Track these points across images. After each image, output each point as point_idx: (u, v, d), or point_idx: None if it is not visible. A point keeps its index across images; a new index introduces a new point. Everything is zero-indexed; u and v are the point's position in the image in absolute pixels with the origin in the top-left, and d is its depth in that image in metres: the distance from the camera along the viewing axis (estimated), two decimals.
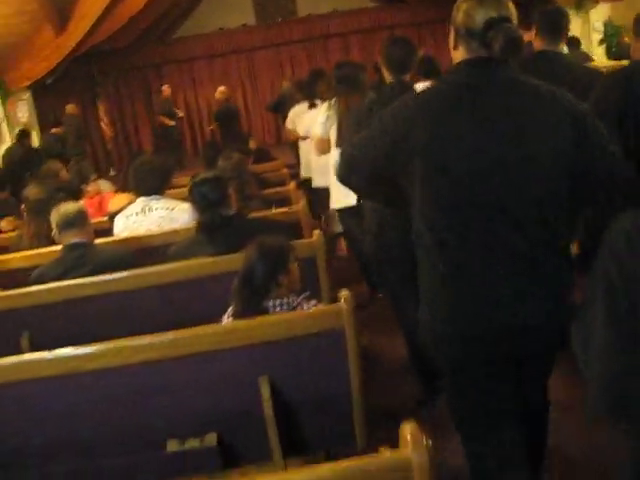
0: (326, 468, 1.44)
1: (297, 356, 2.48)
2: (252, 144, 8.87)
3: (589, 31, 13.14)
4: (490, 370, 2.26)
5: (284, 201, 5.03)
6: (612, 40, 12.87)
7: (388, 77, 3.60)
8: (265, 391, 2.46)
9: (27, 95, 12.47)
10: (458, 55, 2.25)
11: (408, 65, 3.56)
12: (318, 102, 6.33)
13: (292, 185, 5.26)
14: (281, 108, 9.84)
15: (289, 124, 7.76)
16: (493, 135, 2.09)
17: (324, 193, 5.37)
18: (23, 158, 9.28)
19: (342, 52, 13.85)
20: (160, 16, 14.34)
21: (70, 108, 12.40)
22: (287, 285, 2.68)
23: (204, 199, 3.38)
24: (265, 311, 2.62)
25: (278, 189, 5.33)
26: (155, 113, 13.59)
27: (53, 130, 11.47)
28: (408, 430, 1.43)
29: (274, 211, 4.45)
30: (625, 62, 8.00)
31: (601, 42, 13.00)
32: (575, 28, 13.01)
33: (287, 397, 2.51)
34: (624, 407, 1.69)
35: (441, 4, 14.48)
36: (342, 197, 4.61)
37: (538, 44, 3.72)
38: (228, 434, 2.55)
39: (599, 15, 13.19)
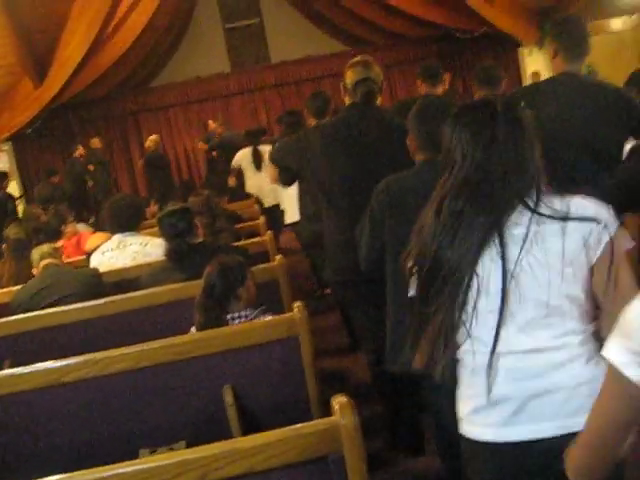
0: (269, 434, 1.66)
1: (257, 364, 2.70)
2: (231, 181, 9.19)
3: (551, 67, 13.62)
4: None
5: (254, 235, 5.29)
6: None
7: (312, 121, 4.75)
8: (229, 398, 2.66)
9: (7, 146, 12.73)
10: (347, 101, 3.63)
11: (325, 112, 4.67)
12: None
13: (261, 220, 5.52)
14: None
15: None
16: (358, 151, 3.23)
17: (277, 211, 6.99)
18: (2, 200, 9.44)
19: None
20: (136, 66, 14.71)
21: (95, 142, 12.78)
22: (245, 299, 2.92)
23: (172, 229, 3.63)
24: (225, 323, 2.85)
25: (249, 223, 5.59)
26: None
27: (52, 179, 11.57)
28: (338, 400, 1.66)
29: (243, 242, 4.70)
30: None
31: None
32: (538, 64, 13.56)
33: (250, 403, 2.72)
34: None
35: (409, 47, 15.02)
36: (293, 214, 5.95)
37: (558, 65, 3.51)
38: (196, 441, 2.74)
39: None
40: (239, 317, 2.87)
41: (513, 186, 1.73)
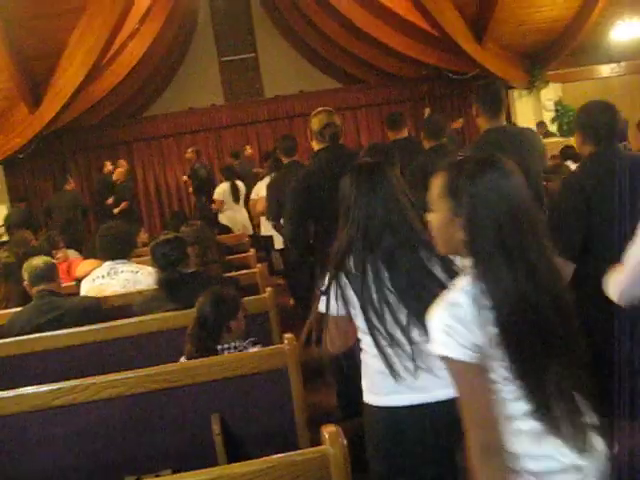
0: (259, 461, 1.70)
1: (246, 394, 2.73)
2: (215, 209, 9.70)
3: (541, 110, 13.87)
4: None
5: (245, 267, 5.33)
6: (563, 119, 13.60)
7: (285, 159, 5.84)
8: (216, 427, 2.69)
9: None
10: (314, 145, 4.34)
11: (294, 151, 5.77)
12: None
13: (252, 252, 5.57)
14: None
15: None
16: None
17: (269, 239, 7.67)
18: None
19: (307, 131, 14.33)
20: (131, 95, 14.85)
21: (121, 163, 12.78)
22: (236, 331, 2.96)
23: (164, 258, 3.67)
24: (215, 354, 2.89)
25: (239, 255, 5.63)
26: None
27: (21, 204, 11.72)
28: (327, 430, 1.70)
29: (234, 273, 4.74)
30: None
31: (552, 120, 13.73)
32: (527, 107, 13.78)
33: (237, 433, 2.74)
34: None
35: (400, 85, 15.24)
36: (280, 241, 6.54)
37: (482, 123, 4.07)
38: (182, 470, 2.76)
39: (550, 95, 13.96)
40: (229, 348, 2.91)
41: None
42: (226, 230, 8.36)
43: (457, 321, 1.63)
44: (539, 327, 1.65)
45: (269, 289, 3.80)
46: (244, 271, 4.83)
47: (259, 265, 4.79)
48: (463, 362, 1.62)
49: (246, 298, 3.73)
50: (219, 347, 2.93)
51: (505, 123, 4.38)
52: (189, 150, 12.57)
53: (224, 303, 2.96)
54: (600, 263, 2.44)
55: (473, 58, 12.66)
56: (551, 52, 13.22)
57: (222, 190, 9.76)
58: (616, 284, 2.14)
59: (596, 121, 3.11)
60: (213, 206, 9.83)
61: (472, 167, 1.72)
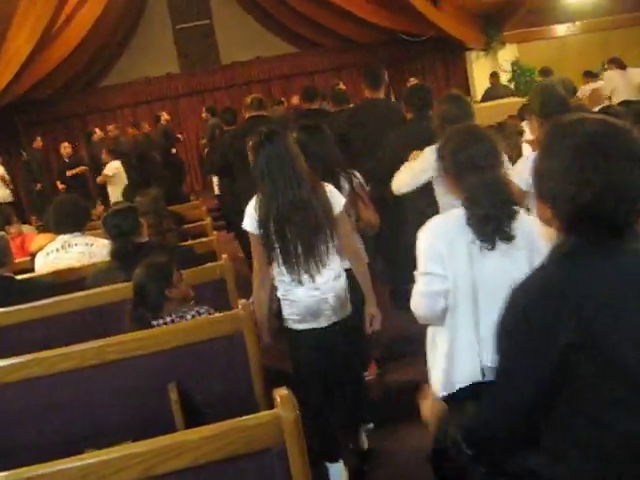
0: (211, 427, 1.68)
1: (203, 361, 2.71)
2: None
3: (497, 71, 13.91)
4: None
5: (201, 235, 5.28)
6: (520, 79, 13.65)
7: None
8: (174, 396, 2.67)
9: None
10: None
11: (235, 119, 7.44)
12: None
13: (208, 220, 5.51)
14: None
15: None
16: None
17: None
18: None
19: (264, 97, 14.20)
20: (84, 65, 14.53)
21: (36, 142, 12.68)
22: (176, 299, 2.94)
23: (116, 228, 3.62)
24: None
25: (196, 224, 5.57)
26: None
27: None
28: (279, 393, 1.69)
29: (190, 242, 4.69)
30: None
31: (509, 81, 13.78)
32: (484, 68, 13.80)
33: (196, 400, 2.73)
34: None
35: (358, 51, 15.14)
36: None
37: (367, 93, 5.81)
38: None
39: (507, 55, 14.00)
40: (171, 321, 2.89)
41: None
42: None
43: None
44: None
45: (225, 256, 3.77)
46: (201, 239, 4.78)
47: (215, 233, 4.74)
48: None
49: (202, 266, 3.71)
50: (157, 322, 2.90)
51: (382, 97, 5.86)
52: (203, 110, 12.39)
53: (155, 270, 2.93)
54: None
55: (429, 20, 12.62)
56: (507, 12, 13.23)
57: None
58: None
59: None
60: None
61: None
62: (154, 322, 2.91)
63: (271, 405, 1.80)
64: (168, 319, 2.91)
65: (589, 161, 1.53)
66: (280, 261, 3.16)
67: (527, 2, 12.75)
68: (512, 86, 13.76)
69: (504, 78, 13.78)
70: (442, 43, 13.93)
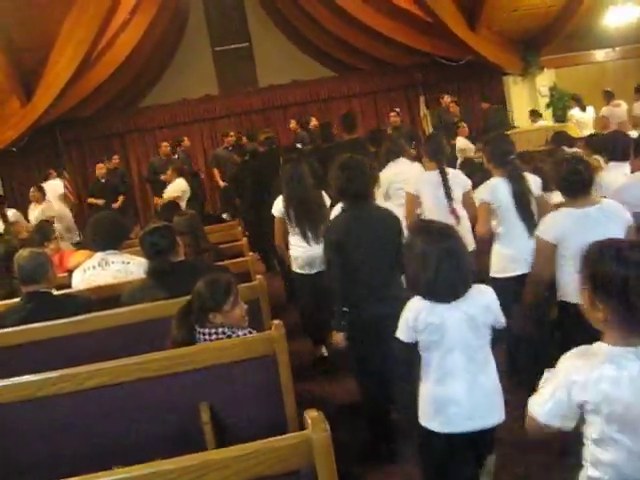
0: (240, 447, 1.68)
1: (234, 381, 2.71)
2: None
3: (536, 96, 13.84)
4: None
5: (237, 255, 5.30)
6: (557, 104, 13.57)
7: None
8: (205, 415, 2.67)
9: None
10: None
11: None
12: None
13: (244, 241, 5.54)
14: None
15: None
16: None
17: None
18: None
19: (299, 120, 14.30)
20: (124, 86, 14.77)
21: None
22: (231, 316, 2.94)
23: (153, 247, 3.64)
24: (194, 334, 2.87)
25: (231, 244, 5.60)
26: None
27: None
28: (310, 415, 1.68)
29: (226, 262, 4.71)
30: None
31: (548, 106, 13.70)
32: (522, 93, 13.75)
33: (226, 420, 2.72)
34: None
35: (394, 73, 15.18)
36: None
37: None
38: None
39: (545, 80, 13.92)
40: (216, 333, 2.88)
41: None
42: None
43: None
44: None
45: (259, 277, 3.78)
46: (236, 260, 4.81)
47: (251, 254, 4.76)
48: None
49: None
50: (210, 330, 2.89)
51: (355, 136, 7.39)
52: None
53: (217, 284, 2.94)
54: None
55: (466, 45, 12.61)
56: (545, 37, 13.17)
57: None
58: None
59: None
60: None
61: None
62: (199, 329, 2.91)
63: (302, 427, 1.79)
64: (212, 330, 2.90)
65: (347, 173, 3.83)
66: (295, 232, 5.20)
67: (566, 27, 12.68)
68: (550, 111, 13.70)
69: (542, 102, 13.72)
70: (479, 67, 13.89)
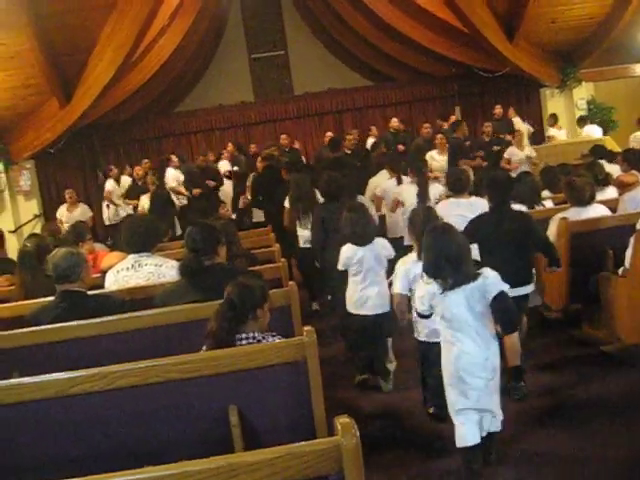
0: (268, 451, 1.67)
1: (264, 385, 2.71)
2: None
3: (573, 109, 13.68)
4: None
5: (269, 261, 5.33)
6: (595, 118, 13.39)
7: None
8: (234, 419, 2.67)
9: (30, 164, 12.90)
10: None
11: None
12: None
13: (276, 247, 5.56)
14: None
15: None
16: None
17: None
18: None
19: (336, 128, 14.33)
20: (161, 91, 14.93)
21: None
22: (261, 321, 2.94)
23: (192, 243, 3.67)
24: (233, 342, 2.87)
25: (264, 250, 5.62)
26: None
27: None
28: (340, 420, 1.67)
29: (259, 267, 4.73)
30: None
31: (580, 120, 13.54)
32: (559, 105, 13.59)
33: (255, 424, 2.72)
34: None
35: (430, 83, 15.15)
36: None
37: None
38: None
39: (582, 93, 13.77)
40: (247, 338, 2.88)
41: None
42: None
43: None
44: None
45: (291, 283, 3.78)
46: (268, 265, 4.83)
47: (283, 260, 4.77)
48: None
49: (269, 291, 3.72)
50: (242, 335, 2.90)
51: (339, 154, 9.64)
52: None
53: (253, 289, 2.95)
54: None
55: (504, 56, 12.53)
56: (583, 50, 13.04)
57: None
58: None
59: None
60: None
61: None
62: (237, 335, 2.91)
63: (331, 433, 1.78)
64: (250, 335, 2.90)
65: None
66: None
67: (604, 40, 12.55)
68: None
69: (579, 115, 13.58)
70: (517, 79, 13.80)
